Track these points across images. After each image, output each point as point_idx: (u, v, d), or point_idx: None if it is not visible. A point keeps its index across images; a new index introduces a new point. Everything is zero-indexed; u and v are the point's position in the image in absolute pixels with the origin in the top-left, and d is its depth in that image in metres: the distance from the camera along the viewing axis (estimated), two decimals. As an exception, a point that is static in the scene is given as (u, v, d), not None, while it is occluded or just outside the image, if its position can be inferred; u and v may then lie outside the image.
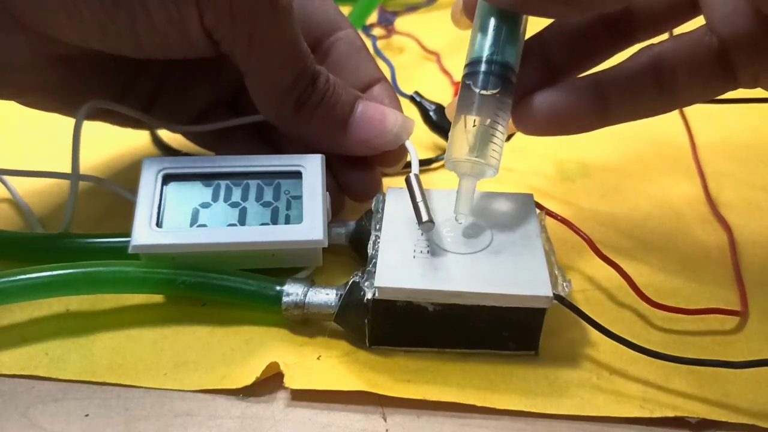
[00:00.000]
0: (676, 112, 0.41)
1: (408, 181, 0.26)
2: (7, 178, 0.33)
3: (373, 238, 0.25)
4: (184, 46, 0.25)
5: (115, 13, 0.23)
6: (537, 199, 0.27)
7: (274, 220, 0.26)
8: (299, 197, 0.27)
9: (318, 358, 0.24)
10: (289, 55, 0.26)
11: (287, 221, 0.26)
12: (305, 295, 0.25)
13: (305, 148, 0.28)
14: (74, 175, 0.29)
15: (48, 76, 0.27)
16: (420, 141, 0.38)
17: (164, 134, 0.36)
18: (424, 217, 0.24)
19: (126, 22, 0.24)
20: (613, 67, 0.25)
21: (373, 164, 0.30)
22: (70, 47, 0.25)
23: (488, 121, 0.23)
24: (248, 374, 0.23)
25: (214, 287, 0.25)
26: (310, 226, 0.26)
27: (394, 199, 0.27)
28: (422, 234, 0.25)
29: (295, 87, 0.27)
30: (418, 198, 0.25)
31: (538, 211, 0.27)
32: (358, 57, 0.30)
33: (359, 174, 0.30)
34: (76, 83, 0.28)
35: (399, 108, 0.30)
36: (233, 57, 0.26)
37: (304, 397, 0.23)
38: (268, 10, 0.25)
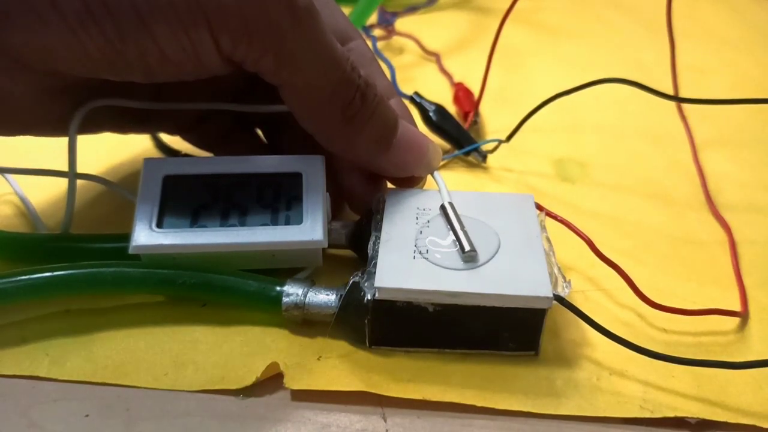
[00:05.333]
0: (675, 112, 0.41)
1: (444, 211, 0.26)
2: (11, 178, 0.33)
3: (373, 238, 0.25)
4: (200, 70, 0.24)
5: (122, 47, 0.22)
6: (537, 199, 0.27)
7: (274, 221, 0.26)
8: (299, 198, 0.27)
9: (318, 359, 0.24)
10: (324, 61, 0.24)
11: (287, 222, 0.26)
12: (305, 296, 0.24)
13: (306, 149, 0.28)
14: (71, 173, 0.29)
15: (54, 108, 0.26)
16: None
17: (165, 135, 0.36)
18: (467, 247, 0.24)
19: (135, 54, 0.22)
20: None
21: (382, 177, 0.29)
22: (76, 77, 0.24)
23: None
24: (248, 374, 0.23)
25: (214, 287, 0.25)
26: (310, 226, 0.26)
27: (394, 199, 0.27)
28: (421, 232, 0.25)
29: (338, 96, 0.25)
30: (457, 227, 0.25)
31: (538, 211, 0.27)
32: (370, 69, 0.29)
33: (367, 187, 0.29)
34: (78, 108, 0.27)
35: (414, 123, 0.29)
36: (260, 74, 0.24)
37: (304, 397, 0.23)
38: (290, 19, 0.23)
